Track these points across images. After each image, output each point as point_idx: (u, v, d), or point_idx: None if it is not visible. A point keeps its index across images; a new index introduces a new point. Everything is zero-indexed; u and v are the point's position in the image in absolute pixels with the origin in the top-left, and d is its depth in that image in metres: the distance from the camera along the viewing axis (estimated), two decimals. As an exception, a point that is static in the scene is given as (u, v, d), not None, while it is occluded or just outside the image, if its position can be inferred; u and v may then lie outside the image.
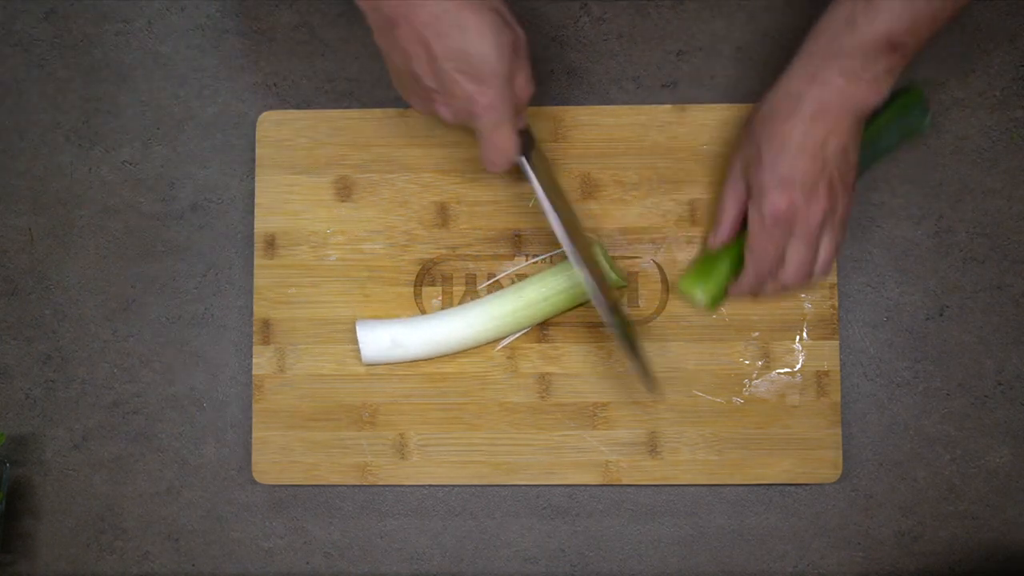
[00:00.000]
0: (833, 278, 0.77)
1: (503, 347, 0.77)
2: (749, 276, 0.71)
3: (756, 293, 0.73)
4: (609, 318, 0.71)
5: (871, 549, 0.79)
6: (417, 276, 0.79)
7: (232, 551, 0.80)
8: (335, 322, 0.79)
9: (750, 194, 0.68)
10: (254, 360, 0.79)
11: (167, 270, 0.81)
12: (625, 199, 0.79)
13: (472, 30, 0.59)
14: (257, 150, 0.79)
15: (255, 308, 0.79)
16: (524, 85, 0.64)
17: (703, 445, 0.77)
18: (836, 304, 0.78)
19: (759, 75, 0.81)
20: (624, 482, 0.77)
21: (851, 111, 0.64)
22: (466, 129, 0.66)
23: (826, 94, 0.63)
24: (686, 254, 0.78)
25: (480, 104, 0.62)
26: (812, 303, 0.78)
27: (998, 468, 0.79)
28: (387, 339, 0.75)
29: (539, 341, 0.78)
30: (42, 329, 0.81)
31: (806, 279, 0.70)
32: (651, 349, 0.78)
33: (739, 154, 0.70)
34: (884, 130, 0.74)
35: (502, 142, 0.65)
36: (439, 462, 0.78)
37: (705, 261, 0.74)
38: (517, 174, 0.71)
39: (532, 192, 0.70)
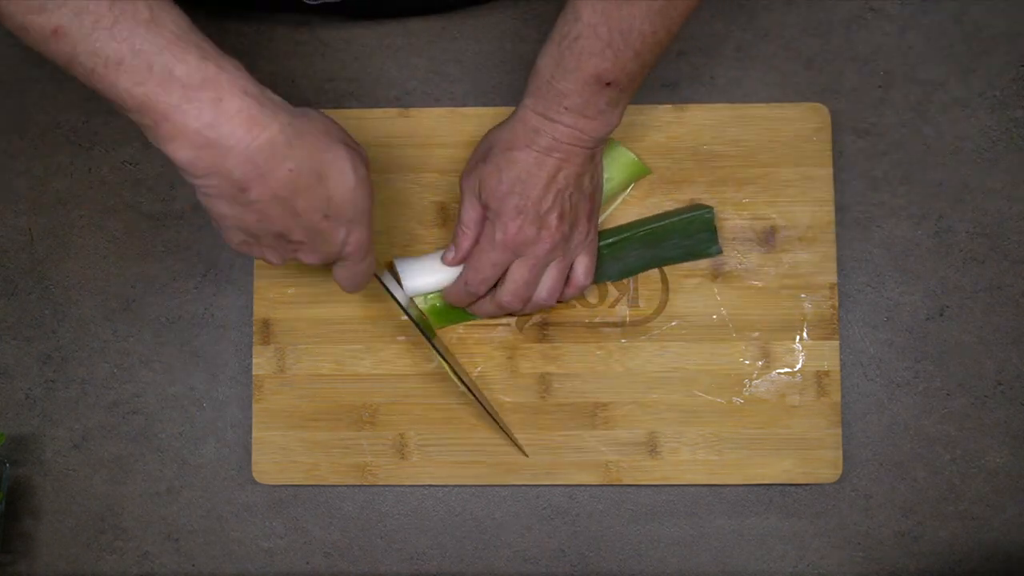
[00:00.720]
0: (833, 278, 0.77)
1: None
2: (459, 286, 0.72)
3: (463, 304, 0.74)
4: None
5: (871, 549, 0.79)
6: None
7: (232, 551, 0.80)
8: (335, 322, 0.79)
9: (486, 214, 0.69)
10: (254, 360, 0.79)
11: (167, 270, 0.81)
12: (625, 199, 0.79)
13: (331, 176, 0.57)
14: (257, 150, 0.79)
15: (255, 308, 0.79)
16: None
17: (703, 445, 0.77)
18: (836, 304, 0.78)
19: (759, 75, 0.81)
20: (624, 482, 0.77)
21: (582, 144, 0.65)
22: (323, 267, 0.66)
23: (558, 131, 0.64)
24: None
25: (351, 243, 0.61)
26: (812, 303, 0.78)
27: (998, 468, 0.79)
28: (428, 265, 0.74)
29: (539, 341, 0.78)
30: (42, 329, 0.81)
31: (524, 302, 0.71)
32: (651, 349, 0.78)
33: (473, 175, 0.69)
34: (668, 244, 0.76)
35: (366, 268, 0.65)
36: (439, 462, 0.78)
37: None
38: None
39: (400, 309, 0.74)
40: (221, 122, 0.53)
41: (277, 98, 0.56)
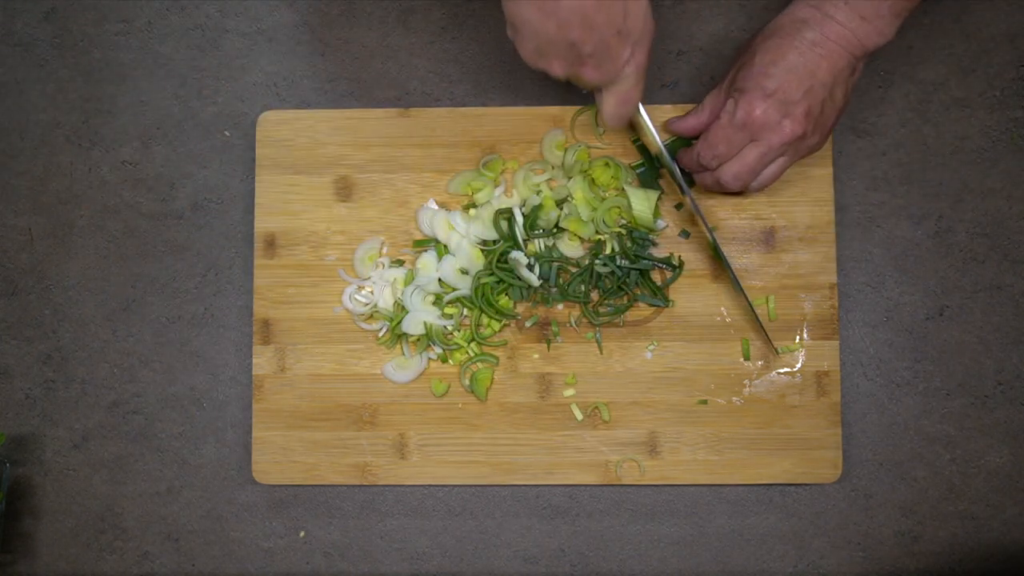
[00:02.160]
0: (833, 278, 0.77)
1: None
2: (691, 154, 0.72)
3: (690, 168, 0.73)
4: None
5: (871, 549, 0.79)
6: (417, 276, 0.79)
7: (232, 551, 0.80)
8: (335, 322, 0.79)
9: (730, 93, 0.69)
10: (254, 360, 0.79)
11: (167, 270, 0.81)
12: (625, 199, 0.79)
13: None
14: (257, 150, 0.79)
15: (255, 308, 0.79)
16: None
17: (703, 445, 0.77)
18: (836, 304, 0.78)
19: (759, 75, 0.81)
20: (624, 482, 0.77)
21: (849, 48, 0.64)
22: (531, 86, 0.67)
23: (828, 27, 0.64)
24: (686, 254, 0.78)
25: (634, 63, 0.62)
26: (812, 303, 0.78)
27: (998, 468, 0.79)
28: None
29: (539, 341, 0.78)
30: (42, 329, 0.81)
31: (743, 185, 0.71)
32: (651, 349, 0.78)
33: (734, 67, 0.70)
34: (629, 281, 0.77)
35: (637, 95, 0.65)
36: (439, 462, 0.78)
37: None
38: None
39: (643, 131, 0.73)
40: None
41: None
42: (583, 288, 0.77)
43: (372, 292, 0.78)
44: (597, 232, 0.77)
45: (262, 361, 0.79)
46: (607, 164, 0.77)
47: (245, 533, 0.80)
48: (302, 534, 0.80)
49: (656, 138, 0.72)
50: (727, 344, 0.78)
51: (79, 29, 0.83)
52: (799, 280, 0.78)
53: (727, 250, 0.78)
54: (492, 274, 0.76)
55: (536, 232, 0.77)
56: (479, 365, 0.77)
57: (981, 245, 0.79)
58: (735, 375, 0.77)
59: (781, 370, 0.77)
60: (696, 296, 0.78)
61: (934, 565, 0.78)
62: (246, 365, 0.80)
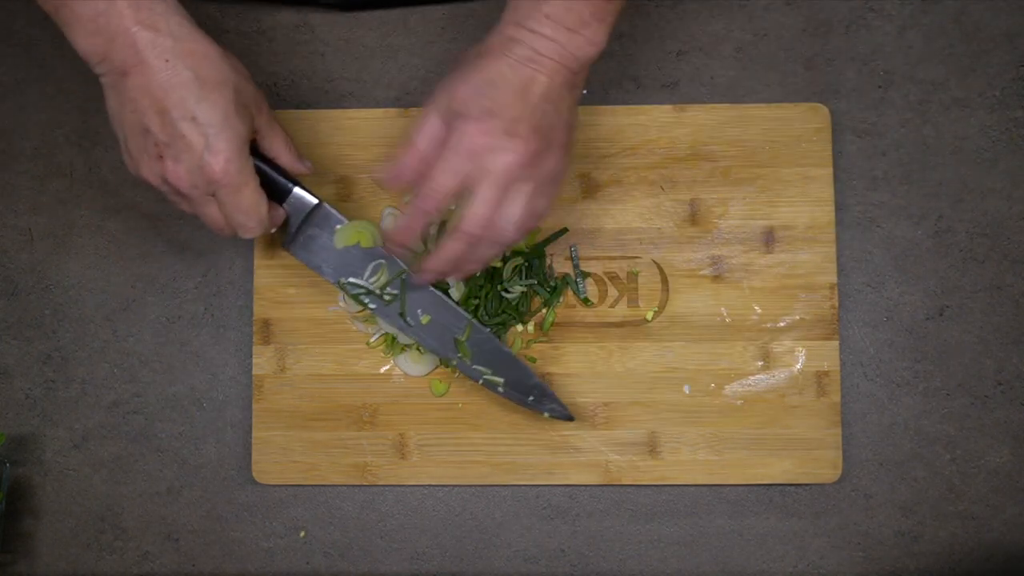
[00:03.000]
0: (833, 278, 0.77)
1: None
2: (409, 218, 0.63)
3: (408, 240, 0.65)
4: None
5: (871, 549, 0.79)
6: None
7: (232, 551, 0.80)
8: (335, 322, 0.79)
9: (447, 127, 0.61)
10: (254, 360, 0.79)
11: (167, 270, 0.81)
12: (625, 199, 0.79)
13: (205, 78, 0.59)
14: (257, 150, 0.79)
15: (255, 308, 0.79)
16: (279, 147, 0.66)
17: (703, 445, 0.77)
18: (836, 304, 0.78)
19: (759, 75, 0.81)
20: (624, 482, 0.77)
21: (564, 61, 0.59)
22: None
23: (538, 42, 0.59)
24: (686, 254, 0.78)
25: (215, 162, 0.60)
26: (812, 303, 0.78)
27: (998, 468, 0.79)
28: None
29: (539, 341, 0.78)
30: (42, 329, 0.81)
31: (485, 229, 0.61)
32: (651, 349, 0.78)
33: (443, 89, 0.62)
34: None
35: (245, 206, 0.62)
36: (439, 462, 0.78)
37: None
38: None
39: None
40: (111, 11, 0.57)
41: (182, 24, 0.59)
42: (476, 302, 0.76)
43: None
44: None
45: (262, 361, 0.79)
46: None
47: (245, 533, 0.80)
48: (302, 534, 0.80)
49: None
50: (727, 344, 0.78)
51: (79, 29, 0.83)
52: (799, 280, 0.78)
53: (726, 250, 0.78)
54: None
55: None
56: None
57: (981, 245, 0.79)
58: (735, 375, 0.77)
59: (781, 370, 0.77)
60: (696, 296, 0.78)
61: (934, 565, 0.78)
62: (246, 365, 0.80)
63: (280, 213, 0.70)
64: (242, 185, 0.62)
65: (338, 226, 0.72)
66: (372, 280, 0.72)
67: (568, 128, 0.63)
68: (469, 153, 0.60)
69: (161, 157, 0.61)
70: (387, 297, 0.72)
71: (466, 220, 0.61)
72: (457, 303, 0.75)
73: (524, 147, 0.59)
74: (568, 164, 0.64)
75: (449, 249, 0.63)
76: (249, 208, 0.63)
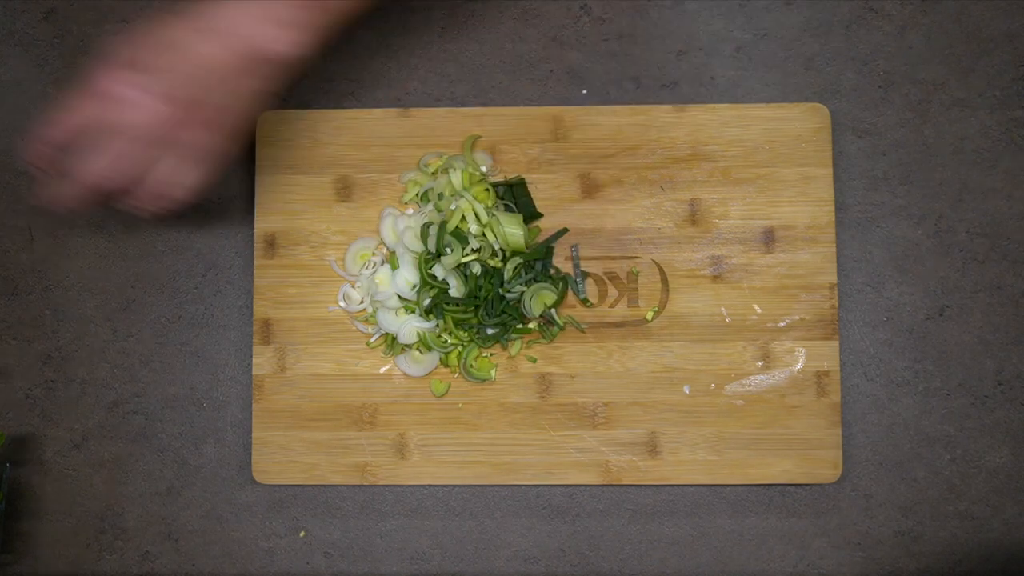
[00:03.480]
0: (833, 278, 0.77)
1: None
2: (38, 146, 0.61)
3: (37, 164, 0.63)
4: None
5: (871, 549, 0.79)
6: (417, 276, 0.79)
7: (232, 551, 0.80)
8: (335, 322, 0.79)
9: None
10: (254, 360, 0.79)
11: (167, 270, 0.81)
12: (625, 199, 0.79)
13: None
14: (257, 150, 0.79)
15: (255, 308, 0.79)
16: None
17: (703, 445, 0.77)
18: (836, 304, 0.78)
19: (759, 75, 0.81)
20: (624, 482, 0.77)
21: (238, 47, 0.57)
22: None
23: (220, 18, 0.57)
24: (686, 254, 0.78)
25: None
26: (812, 303, 0.78)
27: (998, 468, 0.79)
28: None
29: (539, 341, 0.78)
30: (42, 329, 0.81)
31: (103, 193, 0.60)
32: (651, 349, 0.78)
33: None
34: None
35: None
36: (439, 462, 0.78)
37: None
38: None
39: None
40: None
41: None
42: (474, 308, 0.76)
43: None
44: (494, 254, 0.76)
45: (262, 361, 0.79)
46: (487, 189, 0.77)
47: (245, 533, 0.80)
48: (302, 534, 0.80)
49: None
50: (727, 344, 0.78)
51: (79, 29, 0.83)
52: (799, 280, 0.78)
53: (726, 250, 0.78)
54: (429, 286, 0.76)
55: (447, 245, 0.75)
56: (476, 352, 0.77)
57: (981, 245, 0.79)
58: (735, 375, 0.77)
59: (781, 370, 0.77)
60: (696, 296, 0.78)
61: (934, 565, 0.78)
62: (246, 365, 0.80)
63: None
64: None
65: None
66: None
67: (228, 112, 0.60)
68: (94, 96, 0.58)
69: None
70: None
71: (84, 171, 0.59)
72: (459, 301, 0.76)
73: (157, 108, 0.57)
74: (222, 144, 0.61)
75: (62, 194, 0.62)
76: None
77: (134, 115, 0.57)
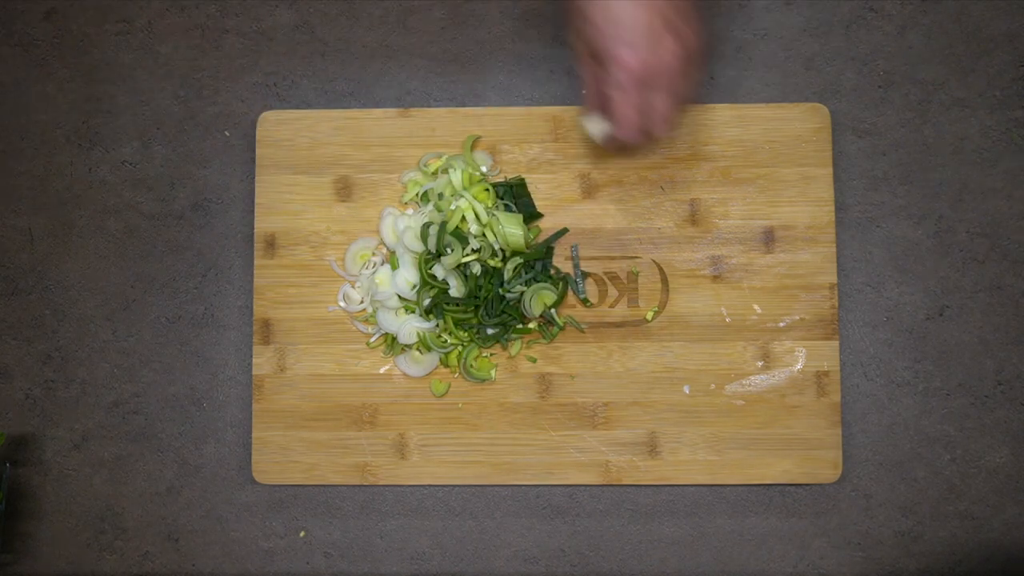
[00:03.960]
0: (833, 278, 0.77)
1: None
2: (616, 138, 0.69)
3: (624, 148, 0.73)
4: None
5: (871, 549, 0.79)
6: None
7: (232, 551, 0.80)
8: (335, 322, 0.79)
9: (600, 64, 0.66)
10: (254, 360, 0.79)
11: (167, 270, 0.81)
12: (625, 199, 0.79)
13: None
14: (257, 150, 0.79)
15: (255, 308, 0.79)
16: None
17: (703, 445, 0.77)
18: (836, 304, 0.78)
19: (759, 75, 0.81)
20: (624, 482, 0.77)
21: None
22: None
23: None
24: (686, 254, 0.78)
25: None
26: (812, 303, 0.78)
27: (998, 468, 0.79)
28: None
29: (539, 341, 0.78)
30: (42, 329, 0.81)
31: (675, 125, 0.69)
32: (651, 349, 0.78)
33: (577, 36, 0.67)
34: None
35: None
36: (439, 462, 0.78)
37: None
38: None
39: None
40: None
41: None
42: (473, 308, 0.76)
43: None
44: (494, 254, 0.76)
45: (262, 361, 0.79)
46: (487, 189, 0.77)
47: (245, 533, 0.80)
48: (302, 534, 0.80)
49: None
50: (727, 344, 0.78)
51: (79, 29, 0.83)
52: (799, 280, 0.78)
53: (726, 250, 0.78)
54: (429, 286, 0.76)
55: (447, 245, 0.75)
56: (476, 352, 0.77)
57: (981, 245, 0.79)
58: (735, 375, 0.77)
59: (781, 370, 0.77)
60: (696, 296, 0.78)
61: (934, 565, 0.78)
62: (246, 365, 0.81)
63: None
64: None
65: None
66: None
67: (695, 36, 0.66)
68: (633, 82, 0.65)
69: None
70: None
71: (656, 127, 0.68)
72: (459, 301, 0.76)
73: (672, 49, 0.64)
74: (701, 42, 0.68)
75: (641, 142, 0.69)
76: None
77: (665, 63, 0.65)
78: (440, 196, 0.76)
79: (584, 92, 0.71)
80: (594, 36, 0.65)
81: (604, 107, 0.69)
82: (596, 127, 0.72)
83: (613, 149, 0.77)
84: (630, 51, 0.64)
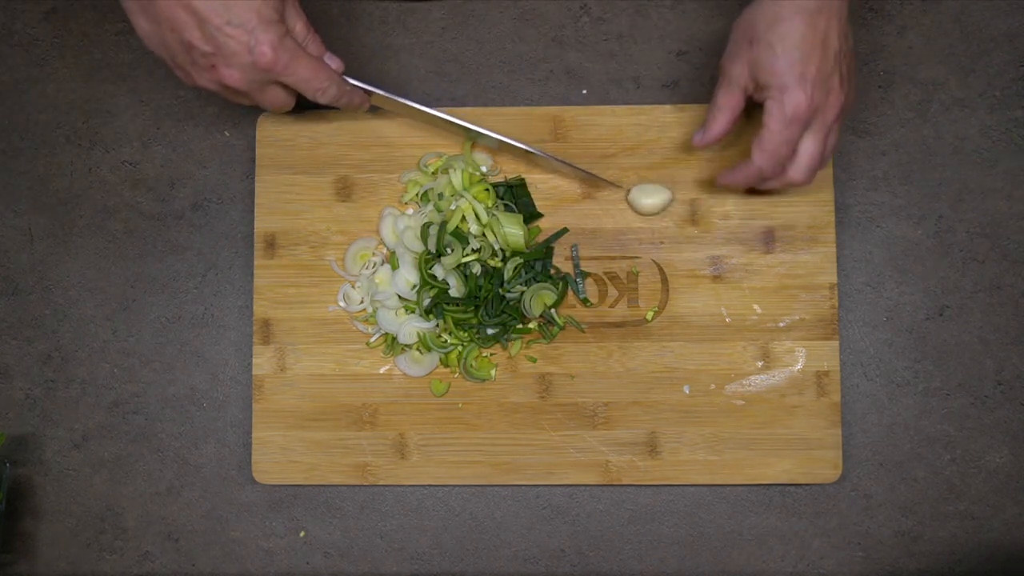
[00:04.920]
0: (833, 278, 0.77)
1: None
2: (754, 170, 0.70)
3: (755, 186, 0.73)
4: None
5: (871, 549, 0.79)
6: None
7: (232, 551, 0.80)
8: (335, 322, 0.79)
9: (763, 94, 0.67)
10: (254, 360, 0.79)
11: (167, 270, 0.81)
12: (625, 199, 0.79)
13: None
14: (257, 150, 0.79)
15: (255, 308, 0.79)
16: (304, 32, 0.66)
17: (703, 445, 0.77)
18: (836, 304, 0.78)
19: (759, 75, 0.81)
20: (624, 482, 0.77)
21: (844, 1, 0.66)
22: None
23: None
24: (686, 254, 0.78)
25: (261, 52, 0.61)
26: (812, 303, 0.78)
27: (998, 468, 0.79)
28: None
29: (539, 341, 0.78)
30: (42, 329, 0.81)
31: (814, 175, 0.70)
32: (651, 349, 0.78)
33: (740, 60, 0.68)
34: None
35: (306, 71, 0.64)
36: (439, 462, 0.78)
37: None
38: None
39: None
40: None
41: None
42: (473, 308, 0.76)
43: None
44: (494, 254, 0.76)
45: (262, 361, 0.79)
46: (487, 189, 0.77)
47: (245, 533, 0.80)
48: (302, 534, 0.80)
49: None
50: (727, 344, 0.78)
51: (79, 29, 0.83)
52: (799, 280, 0.78)
53: (726, 250, 0.78)
54: (429, 285, 0.76)
55: (447, 245, 0.75)
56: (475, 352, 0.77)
57: (981, 245, 0.79)
58: (735, 375, 0.77)
59: (781, 370, 0.77)
60: (696, 296, 0.78)
61: (934, 565, 0.78)
62: (246, 365, 0.80)
63: (358, 91, 0.71)
64: (296, 58, 0.64)
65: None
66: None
67: (855, 57, 0.69)
68: (797, 120, 0.66)
69: (213, 66, 0.62)
70: None
71: (795, 171, 0.69)
72: (459, 301, 0.76)
73: (840, 100, 0.67)
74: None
75: (775, 185, 0.72)
76: (313, 73, 0.65)
77: (829, 114, 0.67)
78: (440, 196, 0.76)
79: (710, 114, 0.71)
80: (765, 62, 0.66)
81: (718, 119, 0.70)
82: (656, 198, 0.75)
83: (731, 185, 0.74)
84: (804, 84, 0.65)
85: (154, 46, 0.63)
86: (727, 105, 0.70)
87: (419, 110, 0.72)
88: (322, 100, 0.67)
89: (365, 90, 0.71)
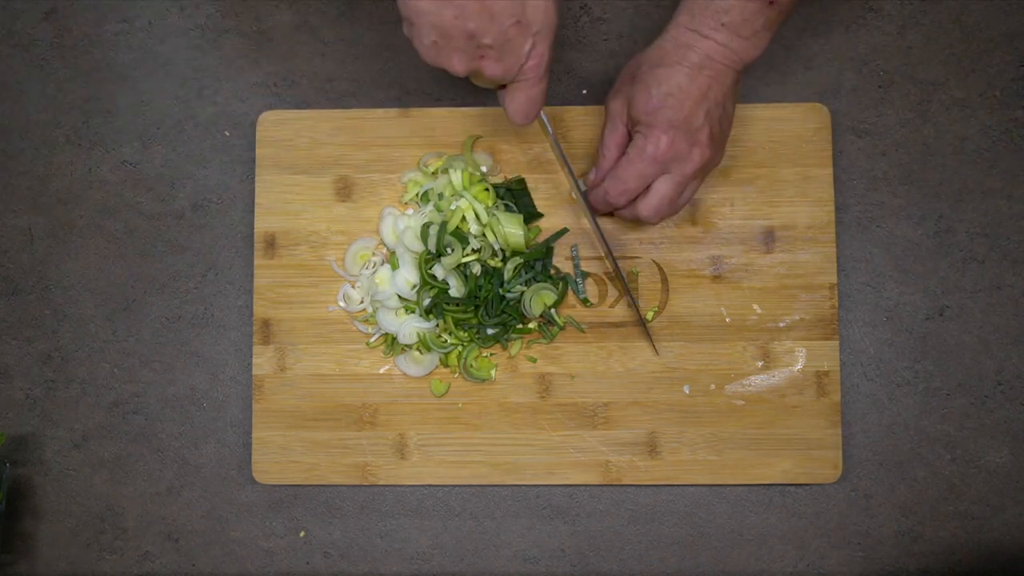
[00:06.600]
0: (833, 278, 0.77)
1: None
2: (599, 195, 0.71)
3: (599, 208, 0.74)
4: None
5: (871, 549, 0.79)
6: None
7: (232, 551, 0.80)
8: (335, 322, 0.79)
9: (633, 130, 0.69)
10: (254, 360, 0.79)
11: (167, 270, 0.81)
12: (625, 199, 0.79)
13: None
14: (257, 150, 0.79)
15: (255, 308, 0.79)
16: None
17: (703, 445, 0.77)
18: (836, 304, 0.78)
19: (759, 75, 0.81)
20: (624, 482, 0.77)
21: (732, 65, 0.66)
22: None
23: (710, 48, 0.65)
24: (686, 254, 0.78)
25: (535, 57, 0.62)
26: (812, 303, 0.78)
27: (998, 468, 0.79)
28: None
29: (539, 341, 0.78)
30: (42, 329, 0.81)
31: (662, 218, 0.71)
32: (651, 349, 0.78)
33: (620, 96, 0.70)
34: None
35: (541, 95, 0.65)
36: (439, 462, 0.78)
37: None
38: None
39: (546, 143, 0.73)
40: None
41: None
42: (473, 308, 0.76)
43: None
44: (494, 254, 0.76)
45: (262, 361, 0.79)
46: (487, 189, 0.77)
47: (245, 533, 0.80)
48: (302, 534, 0.80)
49: (559, 148, 0.73)
50: (727, 344, 0.78)
51: (79, 29, 0.83)
52: (799, 280, 0.78)
53: (726, 250, 0.78)
54: (429, 285, 0.76)
55: (447, 245, 0.75)
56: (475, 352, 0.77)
57: (981, 245, 0.79)
58: (735, 375, 0.77)
59: (781, 370, 0.77)
60: (696, 296, 0.78)
61: (934, 565, 0.78)
62: (246, 365, 0.81)
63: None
64: (542, 79, 0.64)
65: None
66: None
67: (730, 123, 0.70)
68: (655, 160, 0.67)
69: (483, 57, 0.62)
70: None
71: (643, 206, 0.70)
72: (459, 301, 0.76)
73: (703, 154, 0.67)
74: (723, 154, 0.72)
75: (617, 212, 0.73)
76: (536, 100, 0.65)
77: (688, 164, 0.68)
78: (440, 196, 0.76)
79: (600, 152, 0.72)
80: (640, 100, 0.67)
81: (607, 157, 0.71)
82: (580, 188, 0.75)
83: (589, 205, 0.75)
84: (669, 129, 0.66)
85: (423, 22, 0.60)
86: (612, 144, 0.71)
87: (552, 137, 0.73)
88: (517, 120, 0.67)
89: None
